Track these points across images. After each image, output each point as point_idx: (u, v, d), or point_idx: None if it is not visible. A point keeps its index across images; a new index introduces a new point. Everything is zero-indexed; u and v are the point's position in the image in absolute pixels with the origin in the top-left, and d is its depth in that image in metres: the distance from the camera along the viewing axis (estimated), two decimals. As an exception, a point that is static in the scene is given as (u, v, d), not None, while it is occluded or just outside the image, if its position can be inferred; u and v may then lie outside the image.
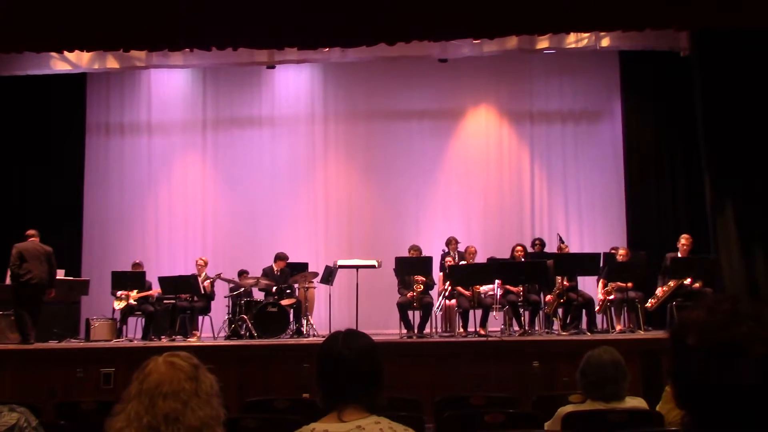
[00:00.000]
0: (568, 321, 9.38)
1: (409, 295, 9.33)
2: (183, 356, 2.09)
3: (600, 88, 11.76)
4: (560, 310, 9.45)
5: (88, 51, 9.59)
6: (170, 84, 12.31)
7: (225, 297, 10.20)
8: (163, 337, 9.73)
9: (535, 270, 9.14)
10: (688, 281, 9.10)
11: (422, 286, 9.37)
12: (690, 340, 1.28)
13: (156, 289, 10.12)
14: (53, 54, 10.20)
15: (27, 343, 8.72)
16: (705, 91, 9.43)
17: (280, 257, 10.33)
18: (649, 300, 9.22)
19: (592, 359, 3.43)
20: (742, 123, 9.09)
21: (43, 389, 7.63)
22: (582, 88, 11.83)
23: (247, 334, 9.43)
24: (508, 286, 9.43)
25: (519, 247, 9.84)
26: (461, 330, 9.31)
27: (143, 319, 9.98)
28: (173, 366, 2.03)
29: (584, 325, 9.33)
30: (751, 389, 1.20)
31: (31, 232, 9.42)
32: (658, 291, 9.22)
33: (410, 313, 9.36)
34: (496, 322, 9.58)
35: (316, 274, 10.27)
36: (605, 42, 10.14)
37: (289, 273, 10.24)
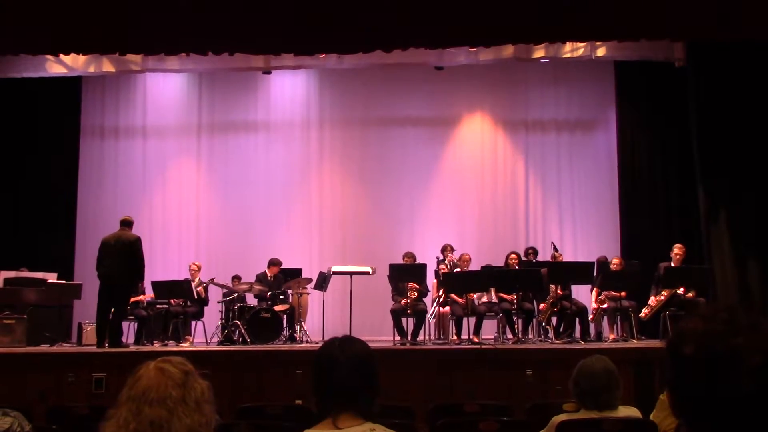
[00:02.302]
0: (561, 329, 9.39)
1: (402, 301, 9.33)
2: (175, 362, 2.07)
3: (595, 98, 11.80)
4: (554, 319, 9.46)
5: (84, 54, 9.58)
6: (166, 88, 12.30)
7: (218, 302, 10.16)
8: (155, 342, 9.69)
9: (529, 278, 9.15)
10: (681, 291, 9.12)
11: (416, 293, 9.36)
12: (687, 350, 1.28)
13: (149, 294, 10.09)
14: (49, 57, 10.17)
15: (100, 345, 8.56)
16: (699, 102, 9.48)
17: (273, 263, 10.31)
18: (643, 310, 9.24)
19: (585, 368, 3.43)
20: (736, 134, 9.13)
21: (34, 393, 7.58)
22: (577, 97, 11.87)
23: (240, 339, 9.40)
24: (501, 294, 9.45)
25: (513, 255, 9.84)
26: (455, 337, 9.32)
27: (136, 324, 9.94)
28: (162, 372, 2.01)
29: (578, 334, 9.34)
30: (748, 399, 1.21)
31: (123, 219, 9.10)
32: (652, 300, 9.23)
33: (404, 320, 9.36)
34: (489, 329, 9.58)
35: (309, 280, 10.26)
36: (601, 52, 10.19)
37: (282, 279, 10.23)
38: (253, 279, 10.19)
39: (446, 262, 9.91)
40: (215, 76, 12.01)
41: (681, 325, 1.33)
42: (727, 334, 1.25)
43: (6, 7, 7.61)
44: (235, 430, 4.00)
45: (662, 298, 9.12)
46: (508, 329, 9.41)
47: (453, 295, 9.40)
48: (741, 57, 8.96)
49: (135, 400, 1.97)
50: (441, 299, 9.48)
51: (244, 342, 9.29)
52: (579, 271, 9.35)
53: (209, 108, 12.24)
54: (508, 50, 9.98)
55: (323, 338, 9.42)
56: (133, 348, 9.11)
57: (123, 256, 8.68)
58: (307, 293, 10.40)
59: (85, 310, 10.53)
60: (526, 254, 10.29)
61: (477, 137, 12.07)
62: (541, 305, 9.44)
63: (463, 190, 11.95)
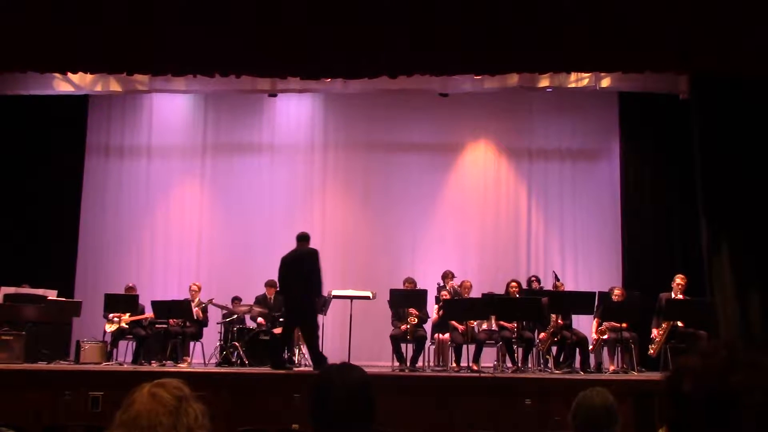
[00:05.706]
0: (561, 359, 9.33)
1: (402, 327, 9.29)
2: (169, 387, 2.04)
3: (599, 128, 11.83)
4: (554, 348, 9.41)
5: (91, 73, 9.64)
6: (172, 108, 12.35)
7: (217, 323, 10.13)
8: (153, 361, 9.65)
9: (530, 307, 9.11)
10: (680, 324, 9.07)
11: (416, 319, 9.33)
12: (686, 387, 1.27)
13: (149, 313, 10.06)
14: (56, 74, 10.23)
15: (280, 368, 8.49)
16: (703, 135, 9.48)
17: (269, 284, 10.30)
18: (650, 347, 9.16)
19: (583, 402, 3.40)
20: (739, 167, 9.12)
21: (29, 412, 7.53)
22: (581, 126, 11.90)
23: (239, 361, 9.36)
24: (502, 322, 9.41)
25: (514, 283, 9.82)
26: (454, 365, 9.27)
27: (134, 343, 9.91)
28: (155, 398, 2.00)
29: (577, 364, 9.28)
30: (748, 439, 1.20)
31: (298, 234, 9.13)
32: (654, 334, 9.18)
33: (403, 345, 9.31)
34: (489, 357, 9.52)
35: (309, 304, 10.20)
36: (605, 83, 10.22)
37: (282, 301, 10.19)
38: (252, 301, 10.16)
39: (447, 288, 9.88)
40: (221, 98, 12.06)
41: (680, 361, 1.32)
42: (727, 372, 1.24)
43: (14, 24, 7.68)
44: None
45: (663, 330, 9.06)
46: (507, 358, 9.35)
47: (453, 322, 9.36)
48: (745, 90, 8.98)
49: (127, 425, 1.96)
50: (438, 318, 9.46)
51: (242, 364, 9.25)
52: (580, 301, 9.30)
53: (214, 129, 12.29)
54: (513, 79, 10.02)
55: (322, 362, 9.38)
56: (130, 367, 9.08)
57: (299, 271, 8.73)
58: (307, 316, 10.35)
59: (84, 328, 10.52)
60: (529, 282, 10.26)
61: (480, 164, 12.09)
62: (542, 334, 9.39)
63: (465, 217, 11.95)
